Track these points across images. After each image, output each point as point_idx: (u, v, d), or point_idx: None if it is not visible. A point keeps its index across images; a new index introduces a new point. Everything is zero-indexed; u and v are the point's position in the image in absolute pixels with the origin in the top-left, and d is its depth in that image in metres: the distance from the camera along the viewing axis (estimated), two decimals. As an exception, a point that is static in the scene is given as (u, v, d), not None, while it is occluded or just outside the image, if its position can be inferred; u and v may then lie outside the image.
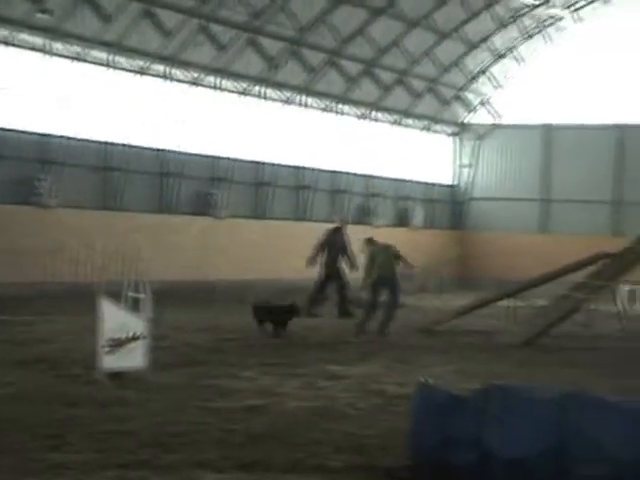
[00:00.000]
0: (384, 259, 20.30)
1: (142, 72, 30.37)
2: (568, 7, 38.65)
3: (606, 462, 7.06)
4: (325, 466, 8.38)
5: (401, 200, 41.29)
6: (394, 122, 39.87)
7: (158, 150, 31.47)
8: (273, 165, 35.05)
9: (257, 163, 34.66)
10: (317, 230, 36.13)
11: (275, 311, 19.38)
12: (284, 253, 33.76)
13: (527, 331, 19.42)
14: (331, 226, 25.51)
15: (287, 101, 35.05)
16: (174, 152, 31.92)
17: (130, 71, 30.15)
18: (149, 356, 12.85)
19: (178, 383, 12.72)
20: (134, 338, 12.69)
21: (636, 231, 26.60)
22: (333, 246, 24.04)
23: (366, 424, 10.35)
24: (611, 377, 14.90)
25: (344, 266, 24.20)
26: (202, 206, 32.80)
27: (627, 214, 40.66)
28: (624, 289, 29.09)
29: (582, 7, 39.01)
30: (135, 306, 13.20)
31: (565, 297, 20.56)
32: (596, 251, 23.83)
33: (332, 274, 23.81)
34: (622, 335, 21.51)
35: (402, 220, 40.93)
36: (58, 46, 27.93)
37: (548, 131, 42.07)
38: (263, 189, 34.90)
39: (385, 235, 38.83)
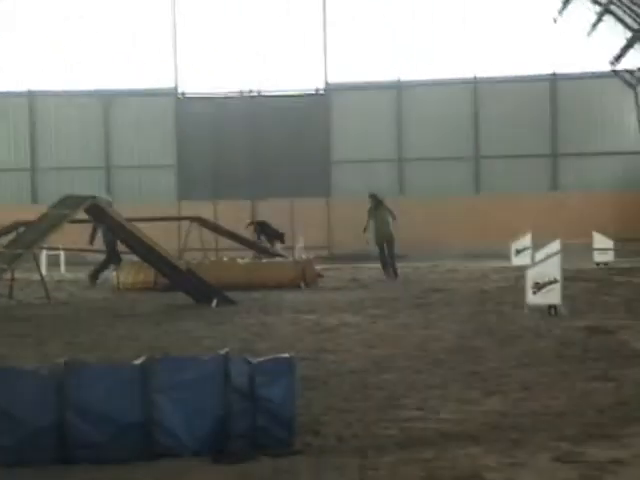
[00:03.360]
0: None
1: None
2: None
3: (19, 429, 7.16)
4: None
5: None
6: None
7: None
8: None
9: None
10: None
11: None
12: None
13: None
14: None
15: None
16: None
17: None
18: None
19: None
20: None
21: (52, 198, 26.85)
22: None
23: None
24: (34, 345, 14.78)
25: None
26: None
27: (44, 182, 41.20)
28: (44, 255, 29.29)
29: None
30: None
31: (-18, 269, 20.03)
32: (15, 220, 23.86)
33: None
34: (47, 301, 21.52)
35: None
36: None
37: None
38: None
39: None
